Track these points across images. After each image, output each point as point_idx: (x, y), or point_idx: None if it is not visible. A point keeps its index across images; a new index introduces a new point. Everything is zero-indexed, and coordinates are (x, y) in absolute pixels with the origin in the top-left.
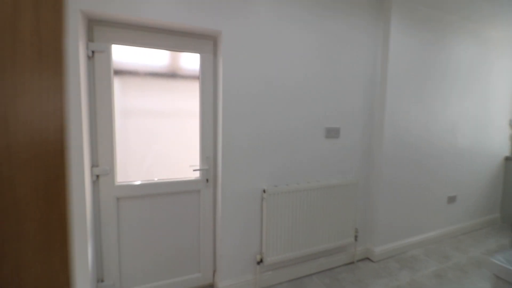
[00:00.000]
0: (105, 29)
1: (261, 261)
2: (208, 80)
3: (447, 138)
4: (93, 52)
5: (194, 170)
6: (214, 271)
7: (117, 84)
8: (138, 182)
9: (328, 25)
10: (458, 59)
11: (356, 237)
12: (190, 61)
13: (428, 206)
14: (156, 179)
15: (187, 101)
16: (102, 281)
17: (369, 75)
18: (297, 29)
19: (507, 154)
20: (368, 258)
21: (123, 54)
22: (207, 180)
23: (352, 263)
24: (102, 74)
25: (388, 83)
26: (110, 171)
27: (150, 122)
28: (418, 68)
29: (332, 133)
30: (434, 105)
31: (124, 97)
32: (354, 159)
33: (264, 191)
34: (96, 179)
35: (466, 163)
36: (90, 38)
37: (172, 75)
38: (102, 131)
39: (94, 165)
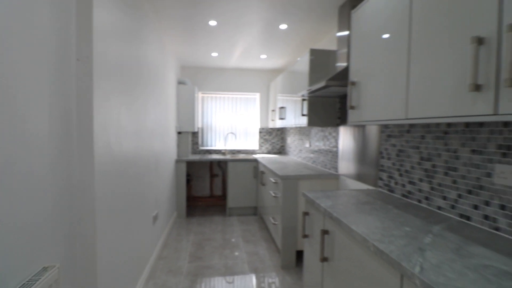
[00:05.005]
0: None
1: None
2: None
3: (149, 151)
4: None
5: None
6: None
7: None
8: None
9: None
10: (152, 63)
11: None
12: None
13: (142, 237)
14: None
15: None
16: None
17: (56, 51)
18: None
19: (176, 157)
20: None
21: None
22: None
23: None
24: None
25: (94, 73)
26: None
27: None
28: (126, 62)
29: None
30: (140, 111)
31: None
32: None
33: None
34: None
35: (162, 171)
36: None
37: None
38: None
39: None
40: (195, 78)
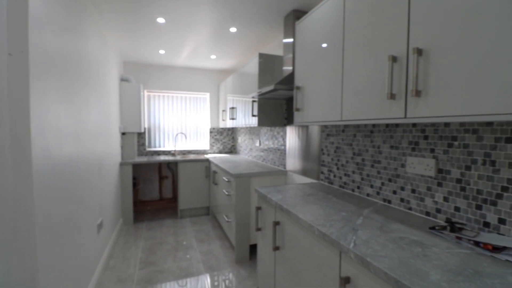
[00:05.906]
0: None
1: None
2: None
3: (92, 154)
4: None
5: None
6: None
7: None
8: None
9: None
10: (93, 58)
11: None
12: None
13: (87, 248)
14: None
15: None
16: None
17: None
18: None
19: (120, 160)
20: None
21: None
22: None
23: None
24: None
25: (31, 69)
26: None
27: None
28: (65, 56)
29: None
30: (80, 110)
31: None
32: None
33: None
34: None
35: (105, 175)
36: None
37: None
38: None
39: None
40: (140, 75)
